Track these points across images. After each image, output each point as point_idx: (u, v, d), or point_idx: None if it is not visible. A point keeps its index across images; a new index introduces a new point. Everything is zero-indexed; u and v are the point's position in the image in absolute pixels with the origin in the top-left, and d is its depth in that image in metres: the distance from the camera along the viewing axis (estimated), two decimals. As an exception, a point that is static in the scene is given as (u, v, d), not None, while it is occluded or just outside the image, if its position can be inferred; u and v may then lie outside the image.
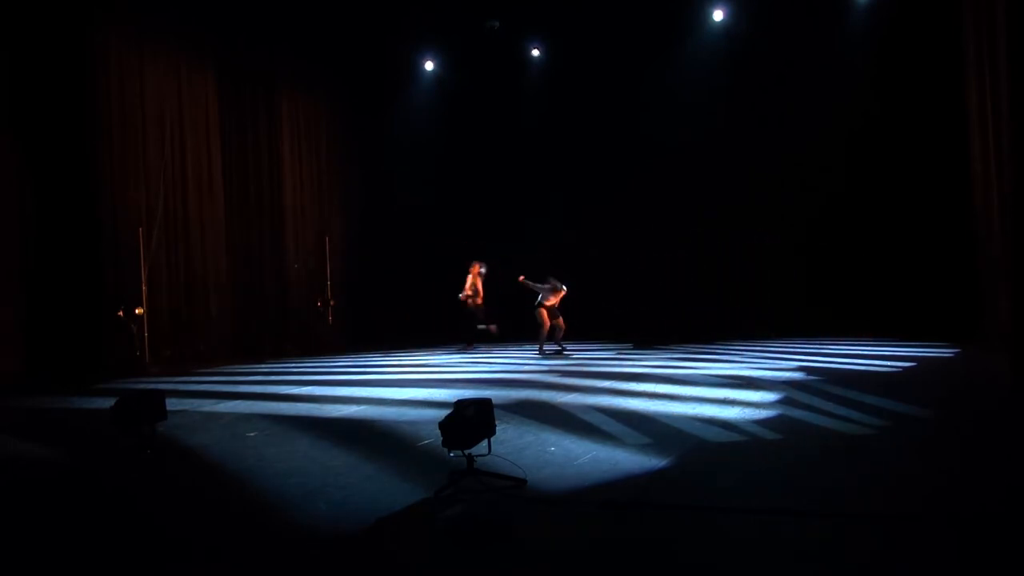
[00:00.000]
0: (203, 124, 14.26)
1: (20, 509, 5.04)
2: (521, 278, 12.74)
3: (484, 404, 4.89)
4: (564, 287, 12.53)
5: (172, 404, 6.88)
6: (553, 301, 12.54)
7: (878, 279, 13.82)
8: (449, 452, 4.82)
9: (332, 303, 15.87)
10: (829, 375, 9.00)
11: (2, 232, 11.40)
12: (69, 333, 11.41)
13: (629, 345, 13.02)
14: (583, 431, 6.36)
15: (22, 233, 11.56)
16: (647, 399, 7.83)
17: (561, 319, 12.58)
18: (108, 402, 6.41)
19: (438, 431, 4.82)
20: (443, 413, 4.96)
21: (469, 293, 13.95)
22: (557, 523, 4.21)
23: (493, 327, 13.94)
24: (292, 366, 12.62)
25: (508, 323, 14.41)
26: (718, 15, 14.98)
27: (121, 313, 12.11)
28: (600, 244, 15.84)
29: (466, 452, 4.77)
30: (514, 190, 17.02)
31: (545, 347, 12.57)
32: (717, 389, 8.22)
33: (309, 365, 12.71)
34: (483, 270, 14.08)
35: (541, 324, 12.45)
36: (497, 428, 5.01)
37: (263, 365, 12.89)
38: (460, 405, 4.86)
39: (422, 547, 4.06)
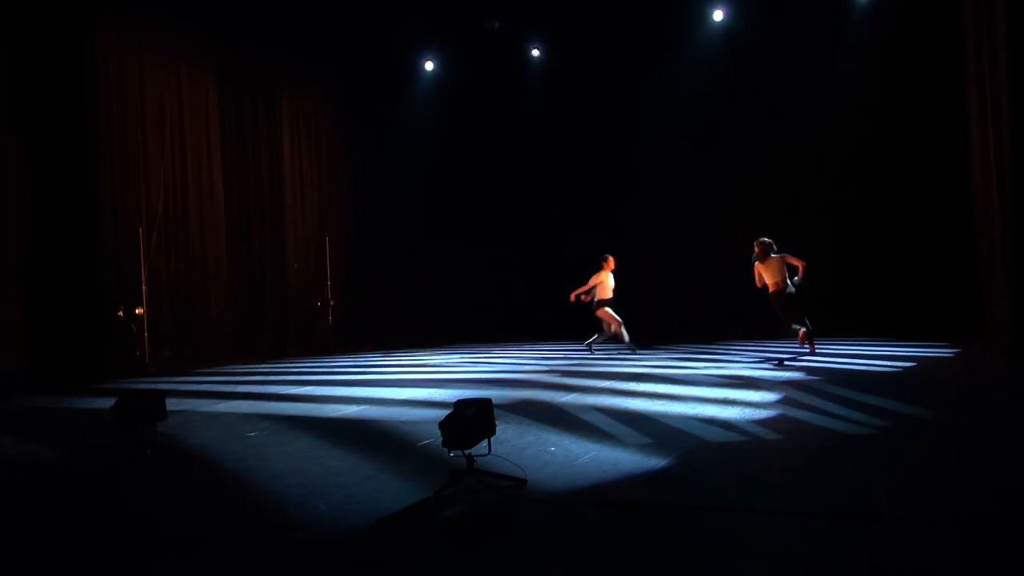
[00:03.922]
0: (203, 124, 14.26)
1: (20, 509, 5.04)
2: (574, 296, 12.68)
3: (484, 404, 4.88)
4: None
5: (172, 404, 6.88)
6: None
7: (878, 279, 13.82)
8: (449, 452, 4.82)
9: (332, 303, 15.87)
10: (829, 375, 9.00)
11: (2, 232, 11.40)
12: (69, 333, 11.40)
13: (625, 345, 13.00)
14: (583, 431, 6.36)
15: (22, 233, 11.56)
16: (647, 399, 7.83)
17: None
18: (108, 402, 6.41)
19: (438, 431, 4.82)
20: (443, 413, 4.96)
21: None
22: (557, 523, 4.21)
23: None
24: (292, 366, 12.63)
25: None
26: (718, 15, 14.99)
27: (121, 313, 12.10)
28: (600, 244, 15.82)
29: (466, 452, 4.77)
30: (514, 190, 17.04)
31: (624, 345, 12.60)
32: (717, 389, 8.22)
33: (309, 365, 12.72)
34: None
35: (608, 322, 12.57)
36: (497, 428, 5.01)
37: (263, 365, 12.90)
38: (460, 405, 4.85)
39: (422, 547, 4.05)
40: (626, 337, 12.52)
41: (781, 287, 10.68)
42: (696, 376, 9.47)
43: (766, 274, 10.84)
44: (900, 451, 5.52)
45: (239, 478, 5.36)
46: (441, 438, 4.79)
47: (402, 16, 15.48)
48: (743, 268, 15.07)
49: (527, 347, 14.43)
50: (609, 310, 12.57)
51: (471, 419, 4.77)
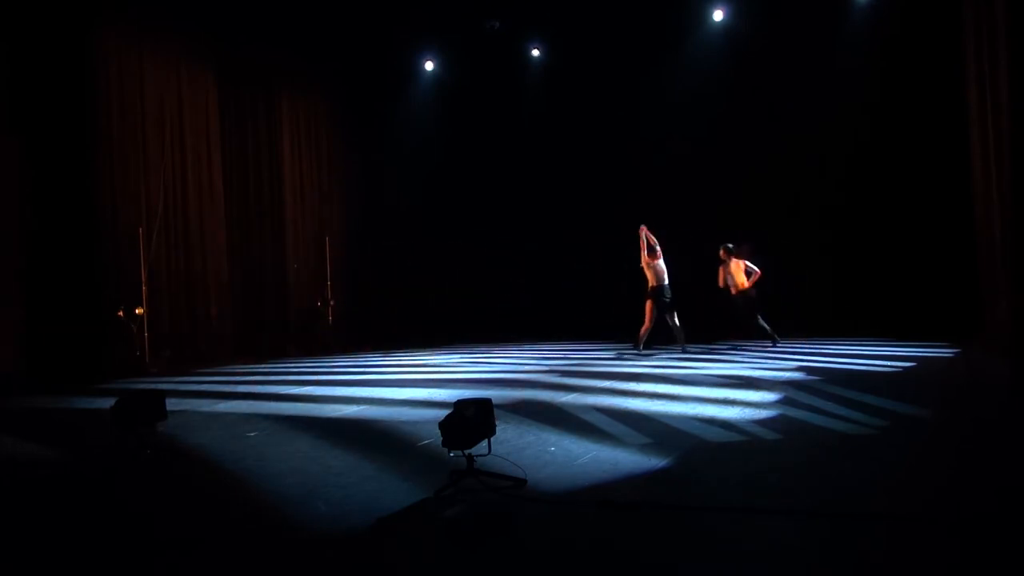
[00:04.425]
0: (203, 124, 14.26)
1: (20, 509, 5.04)
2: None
3: (484, 404, 4.89)
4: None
5: (172, 404, 6.88)
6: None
7: (878, 279, 13.82)
8: (449, 452, 4.82)
9: (332, 303, 15.87)
10: (829, 375, 8.99)
11: (2, 232, 11.40)
12: (69, 333, 11.40)
13: (629, 345, 13.02)
14: (583, 431, 6.36)
15: (22, 233, 11.56)
16: (647, 399, 7.83)
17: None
18: (108, 402, 6.40)
19: (438, 431, 4.82)
20: (443, 413, 4.96)
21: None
22: (557, 523, 4.21)
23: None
24: (292, 366, 12.63)
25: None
26: (718, 15, 14.99)
27: (121, 313, 12.10)
28: (599, 244, 15.83)
29: (466, 452, 4.77)
30: (514, 191, 17.04)
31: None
32: (717, 389, 8.22)
33: (309, 365, 12.72)
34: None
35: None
36: (497, 428, 5.01)
37: (263, 365, 12.90)
38: (460, 405, 4.85)
39: (422, 547, 4.06)
40: (641, 343, 12.23)
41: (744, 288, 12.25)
42: (696, 376, 9.47)
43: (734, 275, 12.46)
44: (900, 451, 5.52)
45: (239, 478, 5.36)
46: (441, 438, 4.79)
47: (402, 16, 15.48)
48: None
49: (527, 347, 14.43)
50: (649, 305, 12.05)
51: (471, 419, 4.77)
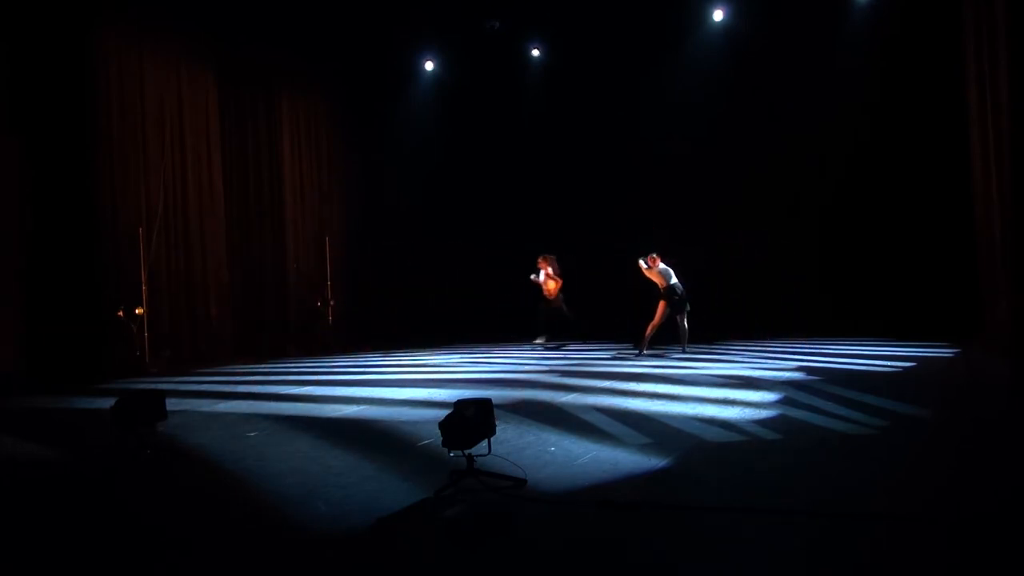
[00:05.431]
0: (203, 124, 14.24)
1: (20, 509, 5.04)
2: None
3: (484, 404, 4.89)
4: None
5: (172, 404, 6.88)
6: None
7: (878, 279, 13.82)
8: (449, 452, 4.82)
9: (332, 303, 15.87)
10: (829, 375, 9.00)
11: (2, 232, 11.40)
12: (69, 333, 11.38)
13: (629, 345, 13.02)
14: (583, 431, 6.36)
15: (22, 233, 11.56)
16: (647, 399, 7.83)
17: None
18: (108, 402, 6.41)
19: (438, 431, 4.82)
20: (443, 413, 4.96)
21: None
22: (557, 523, 4.21)
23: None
24: (292, 366, 12.63)
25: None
26: (718, 15, 14.99)
27: (121, 313, 12.10)
28: (599, 244, 15.82)
29: (466, 452, 4.77)
30: (514, 191, 17.03)
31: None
32: (717, 389, 8.22)
33: (309, 365, 12.72)
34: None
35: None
36: (497, 428, 5.01)
37: (263, 365, 12.90)
38: (460, 405, 4.86)
39: (422, 547, 4.06)
40: (645, 343, 12.08)
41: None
42: (696, 376, 9.47)
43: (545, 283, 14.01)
44: (900, 451, 5.52)
45: (239, 478, 5.36)
46: (441, 438, 4.79)
47: (402, 16, 15.46)
48: (742, 268, 15.12)
49: (527, 347, 14.42)
50: (662, 305, 11.96)
51: (471, 419, 4.77)
